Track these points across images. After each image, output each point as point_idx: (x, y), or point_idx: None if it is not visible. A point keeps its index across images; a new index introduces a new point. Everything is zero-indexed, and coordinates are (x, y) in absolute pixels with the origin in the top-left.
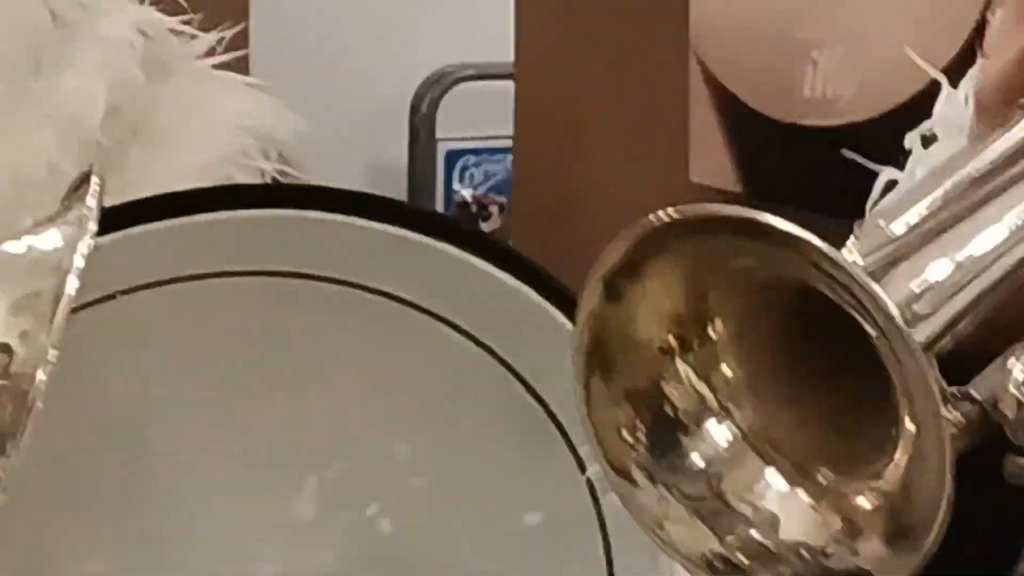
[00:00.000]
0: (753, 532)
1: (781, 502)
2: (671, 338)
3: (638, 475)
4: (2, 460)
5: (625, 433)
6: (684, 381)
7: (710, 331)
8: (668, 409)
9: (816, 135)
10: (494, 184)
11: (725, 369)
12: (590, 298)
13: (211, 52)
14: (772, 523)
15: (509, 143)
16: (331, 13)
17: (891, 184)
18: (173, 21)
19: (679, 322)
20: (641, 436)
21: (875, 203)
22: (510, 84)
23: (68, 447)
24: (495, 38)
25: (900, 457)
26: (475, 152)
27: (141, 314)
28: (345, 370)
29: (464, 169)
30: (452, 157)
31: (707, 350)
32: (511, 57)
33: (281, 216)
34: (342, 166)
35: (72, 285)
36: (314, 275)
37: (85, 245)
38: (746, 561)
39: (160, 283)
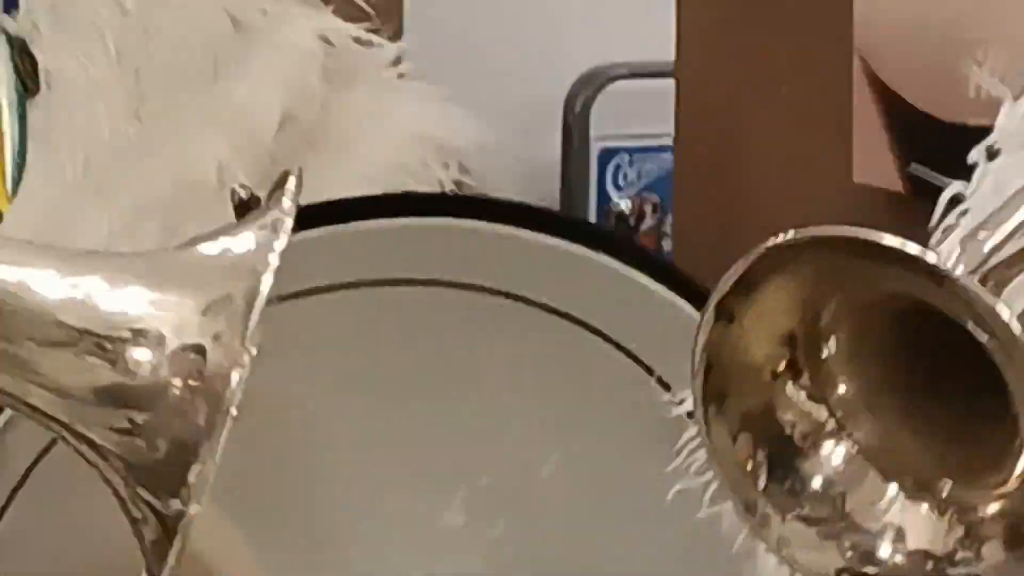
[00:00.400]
0: (880, 546)
1: (905, 514)
2: (783, 360)
3: (764, 505)
4: (197, 466)
5: (747, 465)
6: (798, 405)
7: (823, 350)
8: (785, 435)
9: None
10: (648, 183)
11: (841, 388)
12: (707, 323)
13: (396, 61)
14: (898, 535)
15: (664, 142)
16: (484, 11)
17: (957, 198)
18: (357, 29)
19: (792, 342)
20: (762, 466)
21: (940, 218)
22: (665, 83)
23: (232, 451)
24: (649, 36)
25: (1021, 464)
26: (629, 151)
27: (300, 321)
28: (500, 381)
29: (618, 168)
30: (606, 155)
31: (821, 370)
32: (665, 56)
33: (437, 225)
34: (495, 164)
35: (266, 287)
36: (472, 285)
37: (280, 247)
38: (875, 572)
39: (318, 290)
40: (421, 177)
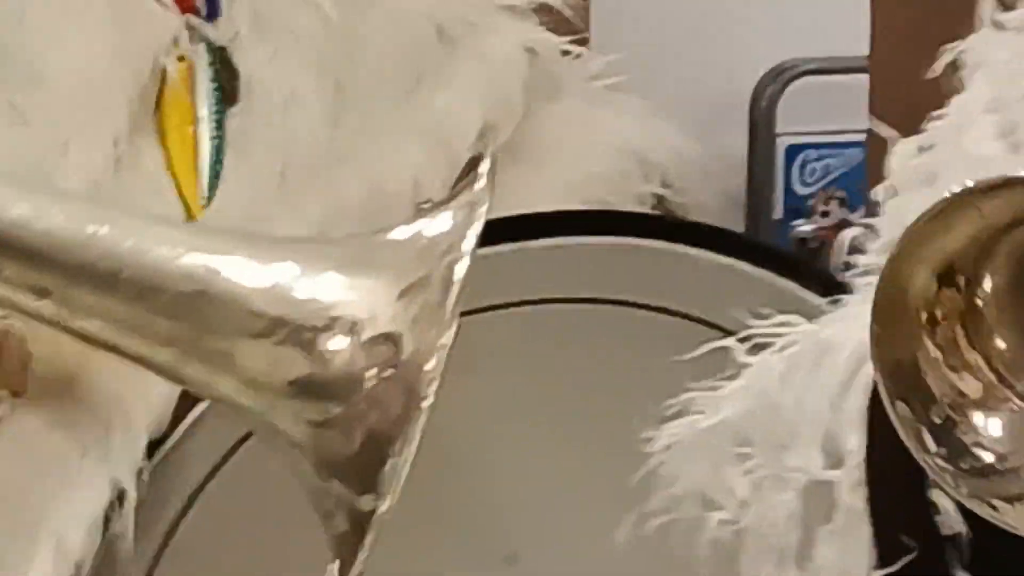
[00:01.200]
0: None
1: None
2: (940, 300)
3: (972, 501)
4: (392, 460)
5: (918, 434)
6: (957, 368)
7: (979, 299)
8: (942, 405)
9: None
10: (834, 178)
11: (999, 342)
12: (892, 253)
13: (602, 73)
14: None
15: (850, 137)
16: (671, 6)
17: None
18: (563, 41)
19: (952, 282)
20: (943, 458)
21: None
22: (851, 78)
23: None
24: (836, 32)
25: None
26: (816, 147)
27: (480, 335)
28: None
29: (804, 163)
30: (792, 151)
31: (981, 323)
32: (852, 51)
33: (610, 245)
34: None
35: (463, 270)
36: (649, 305)
37: (476, 229)
38: None
39: (498, 306)
40: (621, 190)
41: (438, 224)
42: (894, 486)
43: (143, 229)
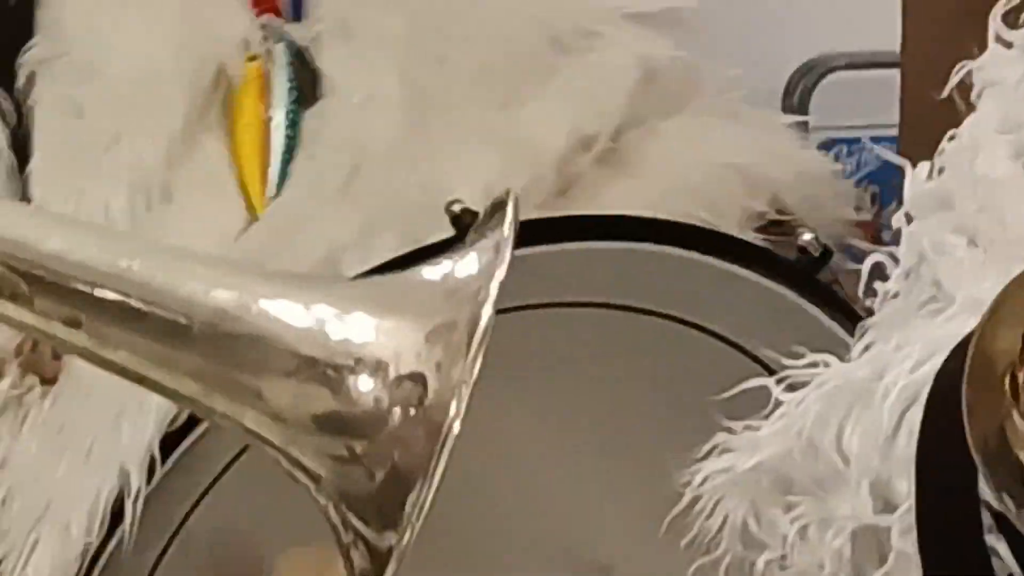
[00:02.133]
0: None
1: None
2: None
3: None
4: (413, 497)
5: None
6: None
7: None
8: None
9: None
10: (867, 173)
11: None
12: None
13: (727, 88)
14: None
15: (883, 132)
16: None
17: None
18: (682, 54)
19: None
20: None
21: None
22: (884, 73)
23: None
24: (869, 26)
25: None
26: (848, 141)
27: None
28: (666, 404)
29: (836, 159)
30: (824, 146)
31: None
32: (884, 46)
33: (613, 249)
34: None
35: (487, 316)
36: (642, 308)
37: (502, 273)
38: None
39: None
40: (719, 207)
41: (466, 266)
42: (947, 531)
43: (175, 264)
